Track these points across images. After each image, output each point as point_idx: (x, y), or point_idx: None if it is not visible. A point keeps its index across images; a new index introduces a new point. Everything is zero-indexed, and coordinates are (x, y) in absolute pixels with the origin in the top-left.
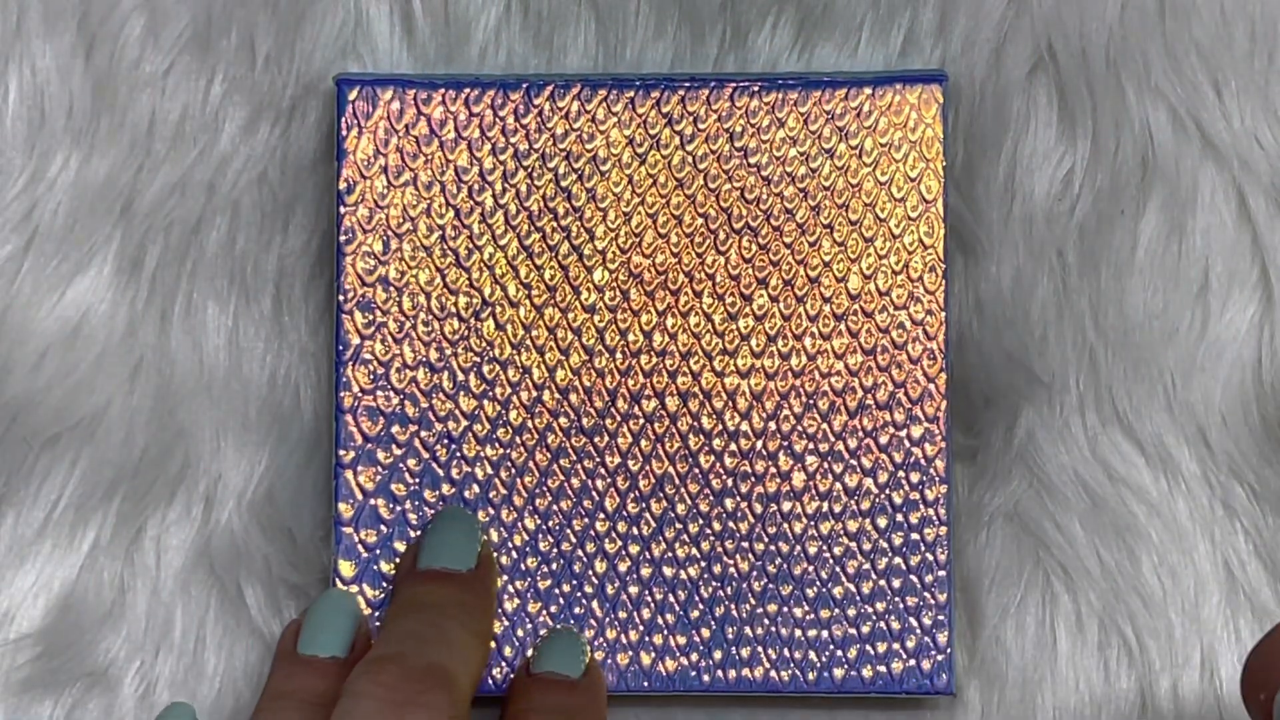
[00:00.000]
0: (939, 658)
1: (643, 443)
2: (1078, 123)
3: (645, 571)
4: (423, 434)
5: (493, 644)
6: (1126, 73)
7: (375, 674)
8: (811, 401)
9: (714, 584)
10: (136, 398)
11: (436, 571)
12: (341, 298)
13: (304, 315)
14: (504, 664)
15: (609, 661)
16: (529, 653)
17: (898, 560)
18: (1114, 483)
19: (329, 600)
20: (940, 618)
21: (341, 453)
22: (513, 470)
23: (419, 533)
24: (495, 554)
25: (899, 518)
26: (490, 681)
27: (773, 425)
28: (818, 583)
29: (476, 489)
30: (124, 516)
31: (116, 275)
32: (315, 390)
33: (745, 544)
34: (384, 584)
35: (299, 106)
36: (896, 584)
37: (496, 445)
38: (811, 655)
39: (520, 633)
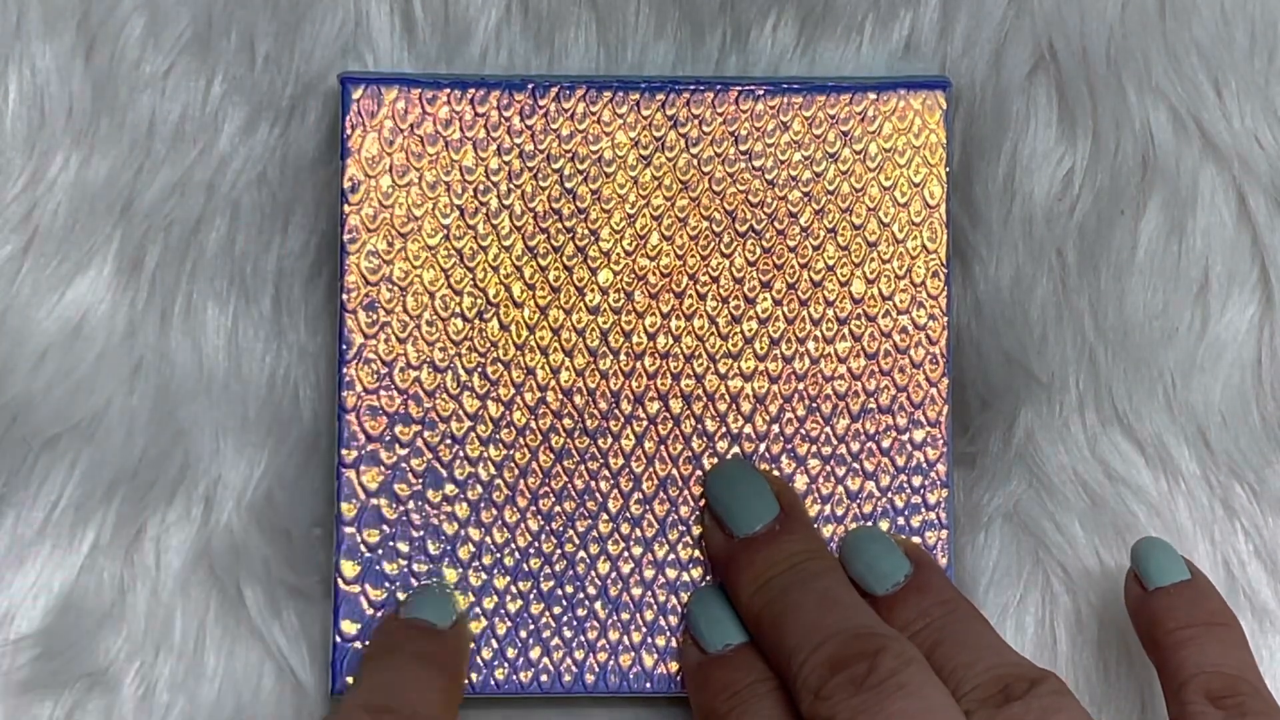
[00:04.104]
0: None
1: (646, 444)
2: (1078, 122)
3: (649, 573)
4: (426, 434)
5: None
6: (1127, 73)
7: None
8: (814, 405)
9: None
10: (136, 398)
11: (416, 626)
12: (345, 297)
13: (303, 316)
14: (505, 664)
15: (611, 663)
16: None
17: None
18: (1114, 483)
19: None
20: None
21: (344, 452)
22: (516, 471)
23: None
24: (475, 608)
25: (901, 521)
26: (492, 682)
27: (776, 428)
28: None
29: (480, 489)
30: (124, 517)
31: (116, 275)
32: (315, 391)
33: None
34: (386, 583)
35: (299, 106)
36: None
37: (500, 446)
38: None
39: (523, 633)
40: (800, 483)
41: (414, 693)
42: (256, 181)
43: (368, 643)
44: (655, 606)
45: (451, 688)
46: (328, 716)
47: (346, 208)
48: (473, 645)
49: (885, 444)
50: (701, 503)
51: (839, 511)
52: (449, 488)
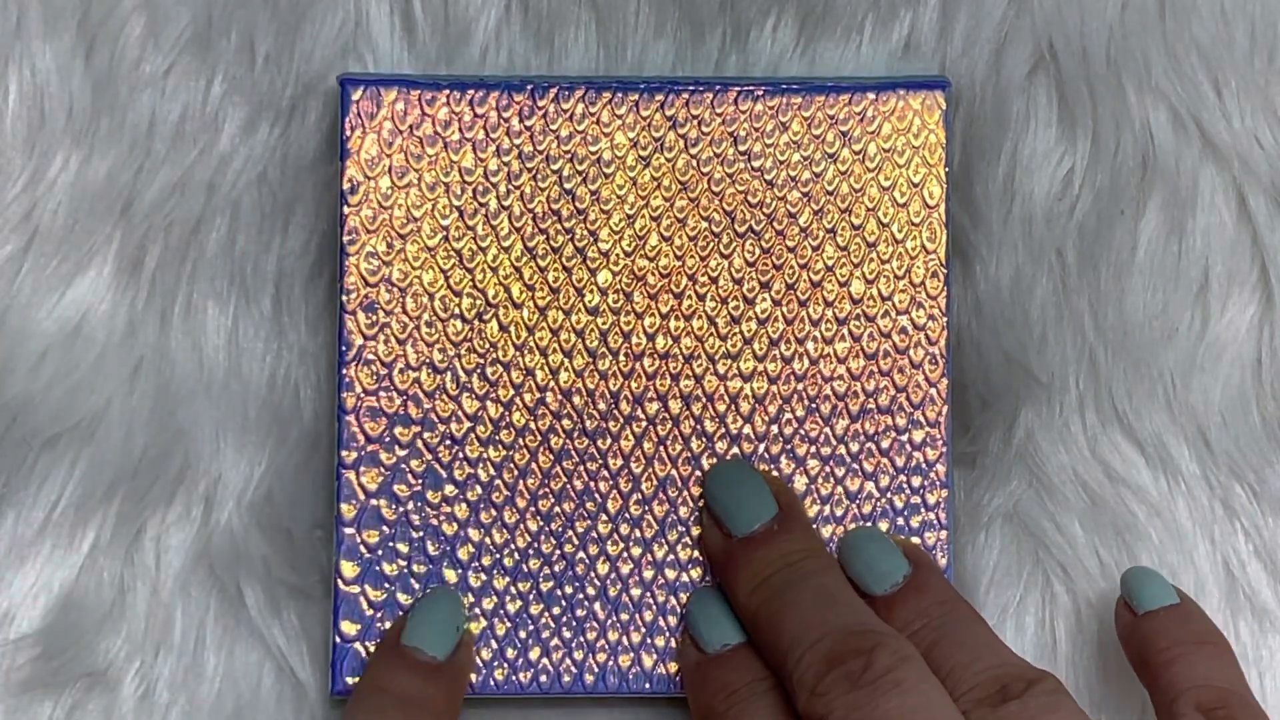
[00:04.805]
0: None
1: (645, 445)
2: (1078, 122)
3: (648, 574)
4: (425, 435)
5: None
6: (1127, 72)
7: None
8: (814, 405)
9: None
10: (136, 398)
11: (411, 658)
12: (345, 298)
13: (304, 316)
14: (505, 665)
15: (610, 663)
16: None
17: None
18: (1114, 483)
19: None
20: None
21: (344, 453)
22: (516, 472)
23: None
24: (475, 609)
25: (900, 521)
26: (491, 682)
27: (775, 429)
28: None
29: (479, 490)
30: (124, 517)
31: (116, 275)
32: (315, 391)
33: None
34: (385, 584)
35: (299, 106)
36: None
37: (499, 447)
38: None
39: (523, 634)
40: (799, 483)
41: None
42: (256, 181)
43: (360, 678)
44: (654, 607)
45: None
46: None
47: (346, 209)
48: (473, 646)
49: (884, 444)
50: (700, 503)
51: (838, 512)
52: (448, 489)
